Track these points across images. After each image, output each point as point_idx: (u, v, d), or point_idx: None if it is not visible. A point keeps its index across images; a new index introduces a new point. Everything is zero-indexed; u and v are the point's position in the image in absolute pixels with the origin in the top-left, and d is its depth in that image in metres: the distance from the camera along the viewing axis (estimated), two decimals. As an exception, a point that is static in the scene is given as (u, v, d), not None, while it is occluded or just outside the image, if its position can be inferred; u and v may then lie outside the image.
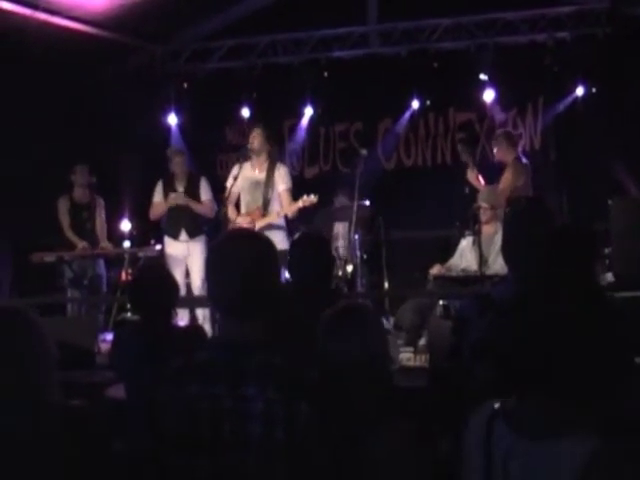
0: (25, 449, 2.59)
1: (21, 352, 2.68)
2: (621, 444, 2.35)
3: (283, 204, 9.02)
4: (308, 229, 9.43)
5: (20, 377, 2.66)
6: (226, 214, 8.97)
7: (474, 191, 9.02)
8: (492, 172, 9.33)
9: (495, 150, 9.30)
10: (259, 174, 9.10)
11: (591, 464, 2.25)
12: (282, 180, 9.06)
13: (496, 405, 2.55)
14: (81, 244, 9.81)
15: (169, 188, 9.79)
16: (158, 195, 9.87)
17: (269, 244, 2.90)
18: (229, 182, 9.09)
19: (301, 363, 2.75)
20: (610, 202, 8.42)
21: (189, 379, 2.75)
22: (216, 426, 2.68)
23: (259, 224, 8.84)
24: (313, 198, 8.87)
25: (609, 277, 8.14)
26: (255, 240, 2.91)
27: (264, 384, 2.64)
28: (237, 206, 9.29)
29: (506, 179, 8.94)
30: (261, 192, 9.07)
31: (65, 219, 9.97)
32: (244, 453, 2.64)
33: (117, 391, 5.05)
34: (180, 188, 9.78)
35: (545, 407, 2.41)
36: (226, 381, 2.69)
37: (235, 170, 9.12)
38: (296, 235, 6.47)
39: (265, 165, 9.10)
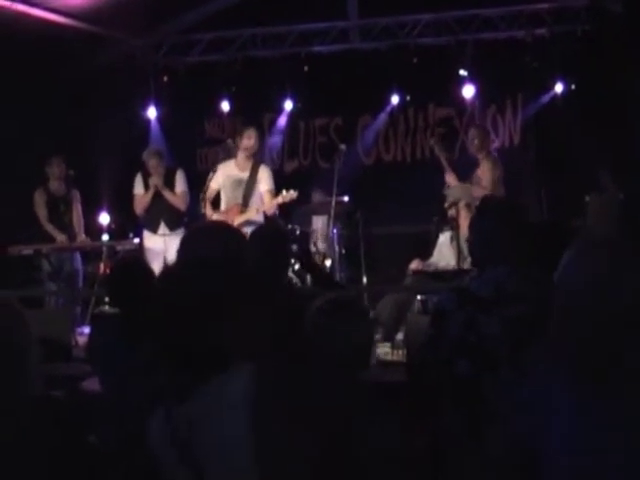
0: (6, 440, 2.59)
1: (9, 343, 2.66)
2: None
3: (265, 203, 9.04)
4: (285, 224, 9.42)
5: (7, 368, 2.65)
6: (204, 210, 8.97)
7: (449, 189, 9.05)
8: (469, 167, 9.35)
9: (470, 142, 9.34)
10: (242, 173, 9.11)
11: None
12: (265, 182, 9.08)
13: None
14: (60, 237, 9.76)
15: (148, 179, 9.77)
16: (139, 187, 9.84)
17: (237, 236, 2.90)
18: (209, 178, 9.10)
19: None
20: (587, 198, 8.46)
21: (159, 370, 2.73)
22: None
23: (237, 220, 8.84)
24: (293, 193, 8.88)
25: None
26: (222, 232, 2.91)
27: None
28: (215, 204, 9.29)
29: (486, 175, 8.96)
30: (242, 190, 9.07)
31: (42, 212, 9.92)
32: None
33: (93, 384, 5.03)
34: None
35: None
36: None
37: (217, 167, 9.17)
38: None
39: (249, 165, 9.12)
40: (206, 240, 3.28)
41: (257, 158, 9.30)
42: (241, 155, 9.12)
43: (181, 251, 3.34)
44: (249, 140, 9.06)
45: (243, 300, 2.21)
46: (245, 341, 2.18)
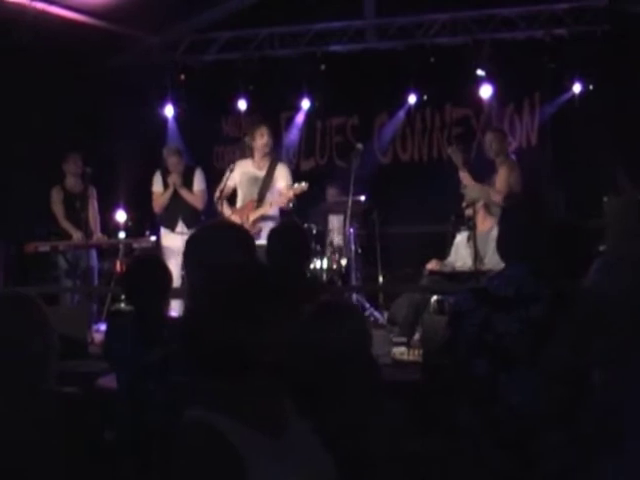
0: (21, 433, 2.59)
1: (29, 337, 2.67)
2: None
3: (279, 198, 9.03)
4: (302, 223, 9.40)
5: (25, 362, 2.65)
6: (220, 208, 8.98)
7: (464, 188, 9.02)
8: (486, 168, 9.31)
9: (487, 146, 9.29)
10: (259, 171, 9.11)
11: None
12: (283, 179, 9.06)
13: None
14: (76, 234, 9.78)
15: (167, 177, 9.78)
16: (158, 185, 9.87)
17: (245, 234, 2.90)
18: (225, 176, 9.10)
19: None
20: (606, 199, 8.41)
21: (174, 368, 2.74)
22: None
23: (252, 216, 8.83)
24: (304, 185, 8.85)
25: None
26: (231, 231, 2.91)
27: None
28: (232, 202, 9.30)
29: (501, 179, 8.92)
30: (258, 187, 9.07)
31: (59, 209, 9.93)
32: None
33: (108, 381, 5.04)
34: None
35: None
36: None
37: (233, 165, 9.16)
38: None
39: (267, 163, 9.11)
40: (211, 244, 3.27)
41: (275, 156, 9.29)
42: (257, 154, 9.12)
43: (186, 256, 3.33)
44: (262, 138, 9.05)
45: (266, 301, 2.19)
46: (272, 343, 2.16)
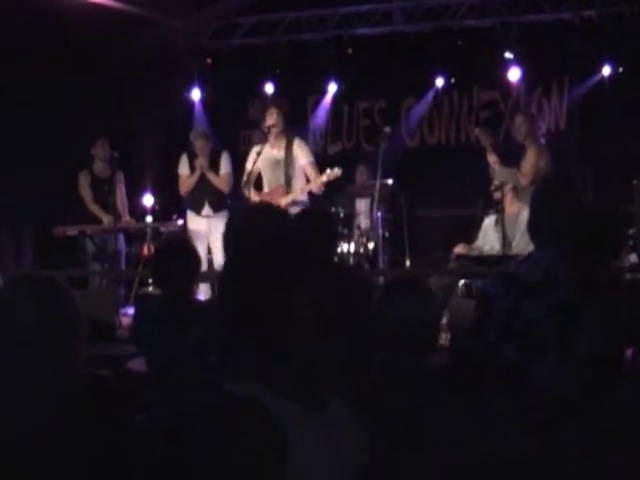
0: (52, 416, 2.61)
1: (54, 320, 2.68)
2: None
3: (310, 177, 9.01)
4: (329, 205, 9.39)
5: (56, 345, 2.67)
6: (247, 194, 8.98)
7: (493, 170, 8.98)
8: (514, 152, 9.26)
9: (516, 128, 9.23)
10: (278, 153, 9.09)
11: None
12: (303, 154, 9.05)
13: None
14: (106, 218, 9.81)
15: (194, 160, 9.79)
16: (184, 168, 9.88)
17: (287, 217, 2.90)
18: (249, 162, 9.09)
19: None
20: (635, 182, 8.34)
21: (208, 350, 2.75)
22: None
23: (283, 202, 8.81)
24: (337, 171, 8.84)
25: (633, 258, 8.10)
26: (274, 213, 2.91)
27: None
28: (258, 186, 9.29)
29: (528, 162, 8.87)
30: (282, 170, 9.05)
31: (87, 193, 9.98)
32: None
33: (138, 364, 5.06)
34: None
35: None
36: None
37: (256, 149, 9.13)
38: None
39: (283, 143, 9.09)
40: (260, 222, 3.28)
41: (289, 134, 9.24)
42: (270, 135, 9.09)
43: (233, 234, 3.33)
44: (271, 118, 9.03)
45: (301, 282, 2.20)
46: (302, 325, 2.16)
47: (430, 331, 3.17)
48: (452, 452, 3.01)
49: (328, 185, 9.03)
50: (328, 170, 8.87)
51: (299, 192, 8.96)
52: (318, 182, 8.90)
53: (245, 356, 2.17)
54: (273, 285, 2.14)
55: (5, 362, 2.64)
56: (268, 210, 3.33)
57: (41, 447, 2.56)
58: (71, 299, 2.74)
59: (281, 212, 3.61)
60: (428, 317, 3.14)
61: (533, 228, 3.88)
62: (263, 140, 9.22)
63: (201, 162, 9.70)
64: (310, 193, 9.11)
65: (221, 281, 2.33)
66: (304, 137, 10.01)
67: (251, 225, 3.27)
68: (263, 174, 9.22)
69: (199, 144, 9.74)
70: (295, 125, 10.08)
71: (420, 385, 3.08)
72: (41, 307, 2.68)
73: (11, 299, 2.73)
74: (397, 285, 3.21)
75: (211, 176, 9.69)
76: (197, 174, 9.73)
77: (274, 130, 9.04)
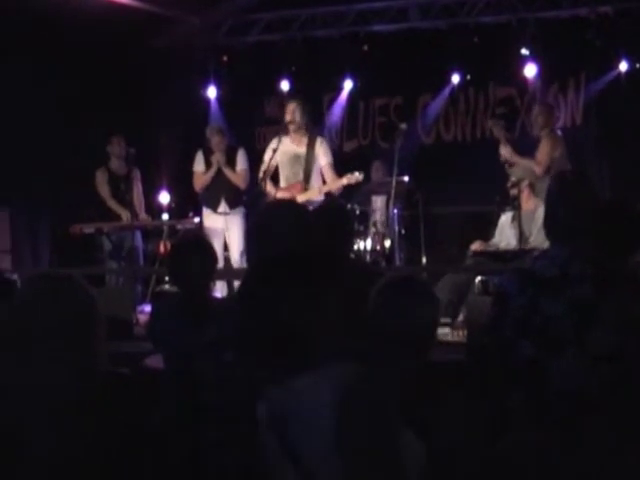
0: (71, 415, 2.62)
1: (77, 318, 2.69)
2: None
3: (327, 179, 9.00)
4: (345, 203, 9.38)
5: (75, 343, 2.68)
6: (264, 188, 8.97)
7: (510, 167, 8.96)
8: (530, 148, 9.24)
9: (533, 119, 9.21)
10: (299, 148, 9.06)
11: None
12: (324, 154, 9.04)
13: None
14: (125, 214, 9.84)
15: (210, 156, 9.80)
16: (199, 165, 9.89)
17: (308, 213, 2.91)
18: (267, 155, 9.07)
19: None
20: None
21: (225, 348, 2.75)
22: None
23: (300, 198, 8.79)
24: (358, 176, 8.84)
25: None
26: (296, 209, 2.92)
27: None
28: (274, 180, 9.28)
29: (543, 150, 8.87)
30: (301, 166, 9.03)
31: (105, 190, 10.01)
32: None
33: (155, 361, 5.07)
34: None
35: None
36: None
37: (274, 144, 9.10)
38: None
39: (305, 139, 9.07)
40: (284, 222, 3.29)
41: (312, 131, 9.24)
42: (291, 130, 9.08)
43: (258, 230, 3.34)
44: (289, 114, 9.02)
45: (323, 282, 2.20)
46: (324, 324, 2.16)
47: (425, 330, 3.13)
48: (452, 452, 3.00)
49: (346, 187, 9.03)
50: (349, 174, 8.86)
51: (317, 192, 8.95)
52: (338, 184, 8.90)
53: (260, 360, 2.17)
54: (300, 286, 2.13)
55: (24, 361, 2.65)
56: (291, 210, 3.32)
57: (60, 444, 2.57)
58: (89, 297, 2.75)
59: (304, 211, 3.60)
60: (423, 316, 3.11)
61: (548, 224, 3.87)
62: (284, 133, 9.18)
63: (218, 158, 9.71)
64: (327, 193, 9.10)
65: (244, 283, 2.33)
66: (320, 134, 9.99)
67: (275, 224, 3.28)
68: (281, 168, 9.20)
69: (215, 140, 9.75)
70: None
71: (419, 385, 3.06)
72: (59, 305, 2.69)
73: (29, 298, 2.74)
74: (392, 283, 3.18)
75: (228, 172, 9.70)
76: (214, 169, 9.74)
77: (292, 126, 9.02)
